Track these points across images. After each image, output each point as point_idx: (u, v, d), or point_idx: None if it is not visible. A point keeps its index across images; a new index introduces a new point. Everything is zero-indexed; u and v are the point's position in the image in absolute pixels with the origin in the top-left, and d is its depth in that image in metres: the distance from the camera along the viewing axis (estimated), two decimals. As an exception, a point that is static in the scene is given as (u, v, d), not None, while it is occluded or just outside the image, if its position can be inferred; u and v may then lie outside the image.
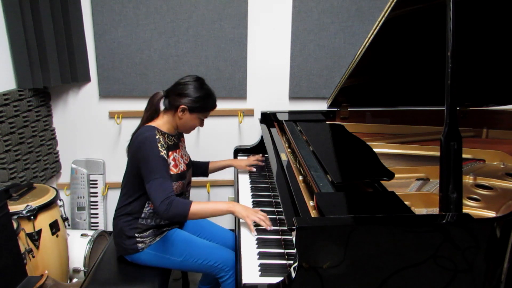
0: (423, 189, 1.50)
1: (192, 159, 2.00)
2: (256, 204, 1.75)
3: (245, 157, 2.27)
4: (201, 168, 2.05)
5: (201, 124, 1.74)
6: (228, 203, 1.59)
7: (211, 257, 1.64)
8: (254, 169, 2.05)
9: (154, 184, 1.51)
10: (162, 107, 1.70)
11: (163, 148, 1.57)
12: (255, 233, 1.49)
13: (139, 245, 1.64)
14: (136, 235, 1.64)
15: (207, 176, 2.08)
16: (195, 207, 1.53)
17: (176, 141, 1.73)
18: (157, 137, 1.57)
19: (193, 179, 2.00)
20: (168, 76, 2.55)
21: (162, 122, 1.67)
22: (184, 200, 1.57)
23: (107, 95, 2.59)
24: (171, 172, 1.62)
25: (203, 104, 1.66)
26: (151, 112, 1.69)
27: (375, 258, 1.06)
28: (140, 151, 1.56)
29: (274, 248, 1.41)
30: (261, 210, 1.67)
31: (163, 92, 1.69)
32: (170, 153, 1.65)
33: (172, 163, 1.65)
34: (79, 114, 2.62)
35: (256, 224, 1.52)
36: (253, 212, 1.54)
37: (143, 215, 1.65)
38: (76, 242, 2.17)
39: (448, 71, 1.12)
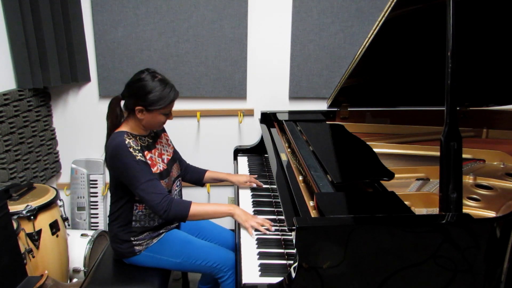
0: (423, 189, 1.50)
1: (192, 161, 1.99)
2: (256, 204, 1.74)
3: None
4: (197, 176, 1.94)
5: (169, 118, 1.60)
6: (229, 206, 1.58)
7: (210, 258, 1.63)
8: (254, 185, 1.90)
9: (144, 190, 1.47)
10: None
11: (137, 152, 1.50)
12: (254, 235, 1.48)
13: (136, 248, 1.63)
14: (132, 238, 1.63)
15: (201, 185, 1.97)
16: (195, 209, 1.52)
17: (150, 141, 1.65)
18: (126, 142, 1.49)
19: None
20: (168, 76, 2.48)
21: (130, 125, 1.58)
22: (184, 200, 1.56)
23: (107, 95, 2.58)
24: None
25: (158, 100, 1.51)
26: (113, 119, 1.59)
27: (375, 258, 1.06)
28: (116, 161, 1.50)
29: (274, 248, 1.41)
30: (261, 211, 1.67)
31: (121, 95, 1.59)
32: (145, 153, 1.58)
33: (149, 162, 1.57)
34: (79, 114, 2.62)
35: (256, 229, 1.51)
36: (252, 218, 1.53)
37: (134, 218, 1.62)
38: (76, 242, 2.17)
39: (448, 71, 1.12)
